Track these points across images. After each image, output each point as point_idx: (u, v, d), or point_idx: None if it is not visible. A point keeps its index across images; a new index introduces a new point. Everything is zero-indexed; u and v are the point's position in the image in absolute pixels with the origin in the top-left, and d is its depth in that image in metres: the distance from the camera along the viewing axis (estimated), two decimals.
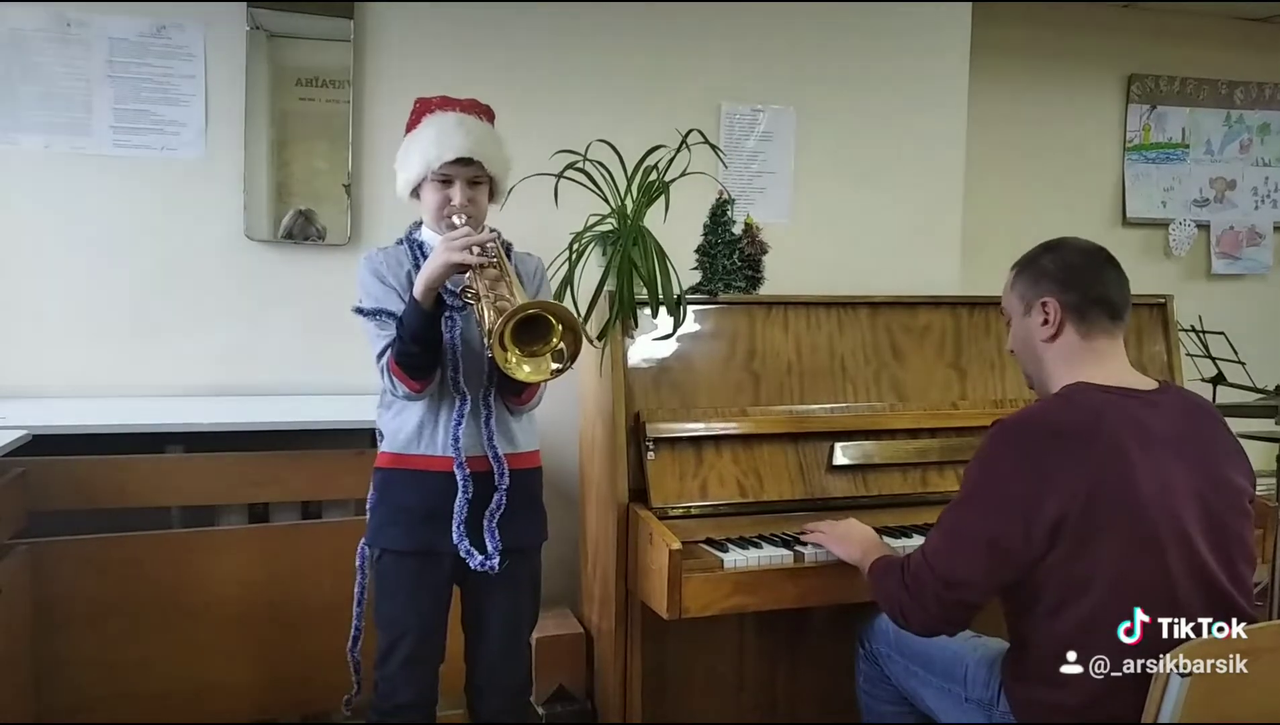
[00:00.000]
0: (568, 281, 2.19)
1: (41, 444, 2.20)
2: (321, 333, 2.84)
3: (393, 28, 2.88)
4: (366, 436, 2.53)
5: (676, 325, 2.24)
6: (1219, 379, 3.26)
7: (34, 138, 2.66)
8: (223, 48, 2.75)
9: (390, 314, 1.76)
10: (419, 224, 1.89)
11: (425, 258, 1.77)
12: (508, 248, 1.91)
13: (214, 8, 2.74)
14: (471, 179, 1.79)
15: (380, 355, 1.76)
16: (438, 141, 1.76)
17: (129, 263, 2.73)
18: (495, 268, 1.68)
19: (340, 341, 2.83)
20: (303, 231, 2.84)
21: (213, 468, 2.38)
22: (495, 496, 1.79)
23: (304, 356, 2.84)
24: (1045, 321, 1.62)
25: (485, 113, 1.87)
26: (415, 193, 1.84)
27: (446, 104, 1.83)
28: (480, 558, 1.76)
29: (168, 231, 2.75)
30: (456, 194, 1.78)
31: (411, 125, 1.85)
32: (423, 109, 1.84)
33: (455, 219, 1.76)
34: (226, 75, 2.76)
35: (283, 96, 2.81)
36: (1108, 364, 1.60)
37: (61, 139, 2.67)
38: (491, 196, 1.86)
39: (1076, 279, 1.61)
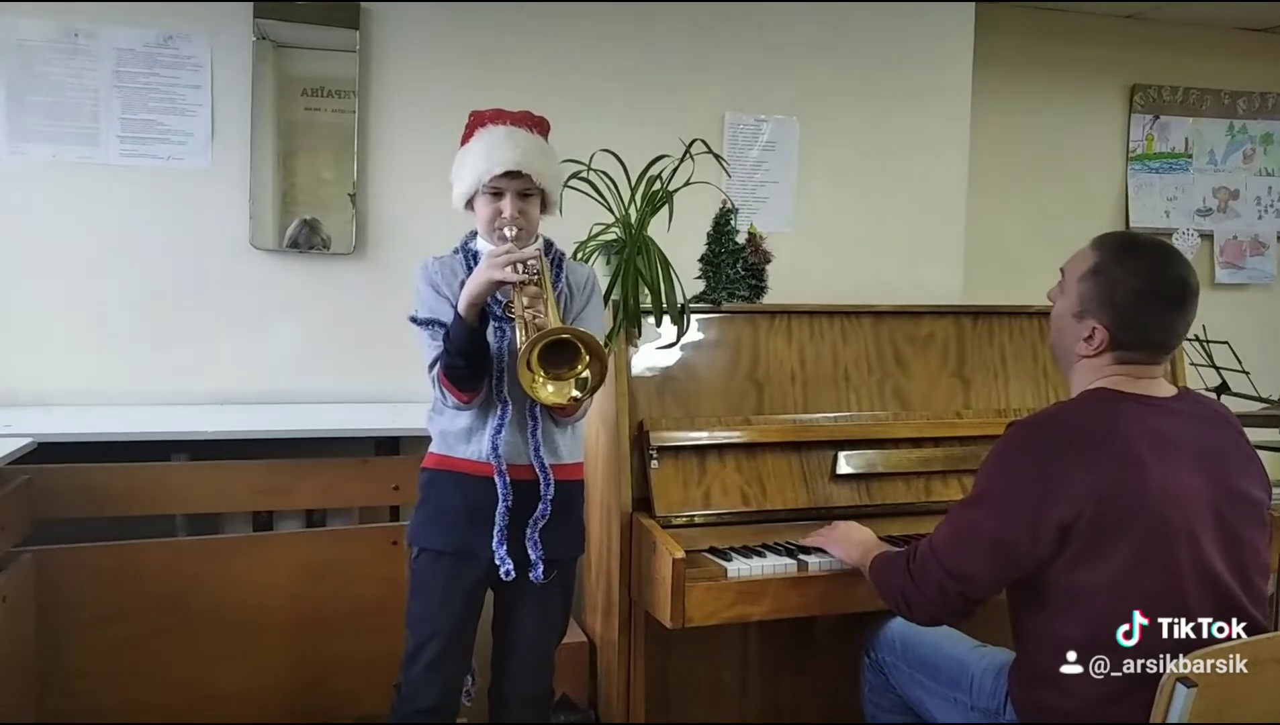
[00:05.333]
0: None
1: (47, 452, 2.21)
2: (326, 342, 2.85)
3: (398, 38, 2.90)
4: (371, 445, 2.55)
5: (680, 334, 2.25)
6: (1223, 388, 3.25)
7: (41, 147, 2.67)
8: (229, 58, 2.77)
9: (442, 325, 1.77)
10: (474, 233, 1.90)
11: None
12: (560, 258, 1.92)
13: (220, 18, 2.75)
14: (522, 191, 1.80)
15: (431, 366, 1.78)
16: (487, 155, 1.78)
17: (134, 271, 2.74)
18: (536, 285, 1.69)
19: (345, 351, 2.85)
20: (308, 241, 2.85)
21: (217, 476, 2.39)
22: (540, 506, 1.80)
23: (309, 365, 2.85)
24: (1088, 339, 1.57)
25: (538, 125, 1.87)
26: (470, 205, 1.85)
27: (498, 116, 1.83)
28: (508, 567, 1.77)
29: (173, 240, 2.76)
30: (507, 206, 1.79)
31: (465, 138, 1.86)
32: (475, 122, 1.85)
33: (506, 231, 1.77)
34: (233, 85, 2.77)
35: (288, 106, 2.83)
36: (1134, 380, 1.58)
37: (69, 149, 2.68)
38: (544, 208, 1.87)
39: (1138, 321, 1.54)
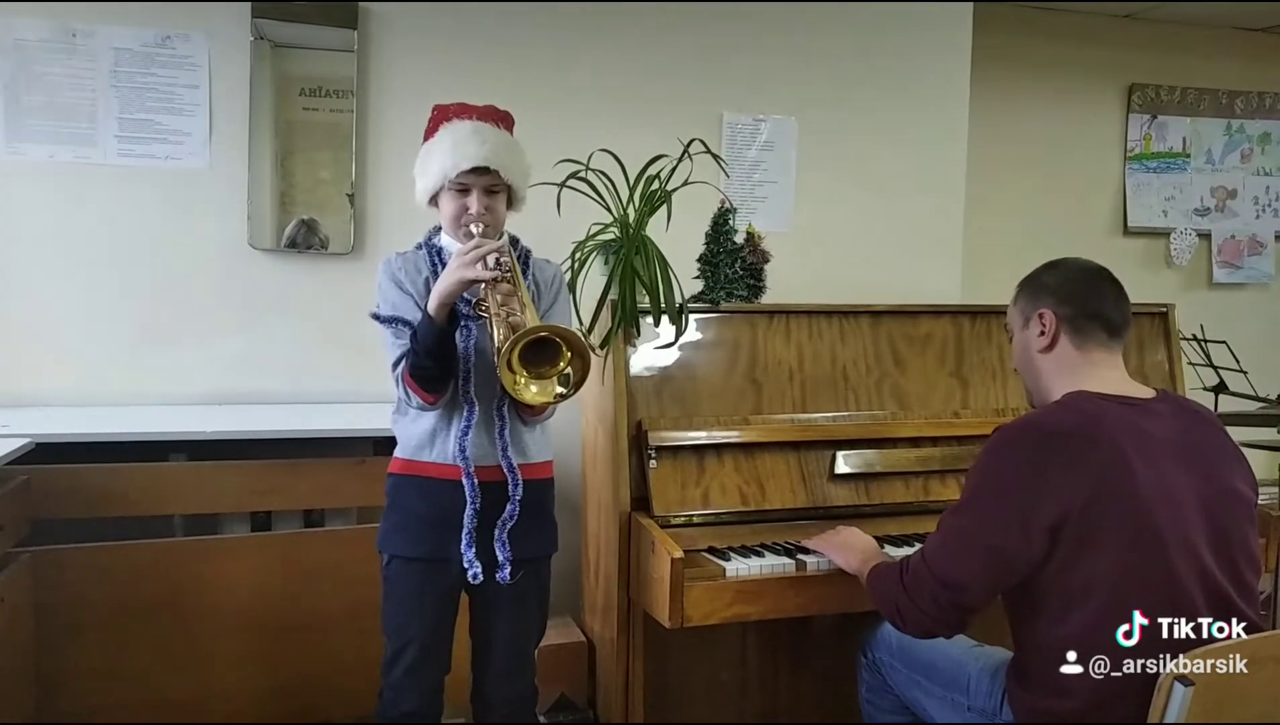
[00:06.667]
0: (570, 290, 2.19)
1: (44, 452, 2.20)
2: (324, 342, 2.85)
3: (397, 38, 2.90)
4: (368, 445, 2.54)
5: (679, 334, 2.25)
6: (1221, 388, 3.26)
7: (39, 147, 2.67)
8: (227, 58, 2.76)
9: (406, 323, 1.75)
10: (439, 228, 1.87)
11: (444, 264, 1.77)
12: (526, 255, 1.90)
13: (218, 18, 2.75)
14: (488, 187, 1.78)
15: (395, 364, 1.76)
16: (453, 151, 1.75)
17: (132, 272, 2.74)
18: (508, 282, 1.68)
19: (342, 351, 2.84)
20: (306, 241, 2.85)
21: (215, 476, 2.38)
22: (508, 507, 1.78)
23: (306, 365, 2.85)
24: (1041, 332, 1.65)
25: (504, 119, 1.85)
26: (434, 201, 1.83)
27: (463, 111, 1.81)
28: (476, 570, 1.75)
29: (171, 241, 2.76)
30: (473, 202, 1.77)
31: (429, 133, 1.83)
32: (440, 116, 1.82)
33: (472, 227, 1.75)
34: (231, 85, 2.77)
35: (286, 106, 2.83)
36: (1105, 374, 1.61)
37: (66, 149, 2.68)
38: (510, 204, 1.85)
39: (1074, 293, 1.65)
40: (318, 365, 2.85)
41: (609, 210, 2.26)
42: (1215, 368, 3.26)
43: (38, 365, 2.68)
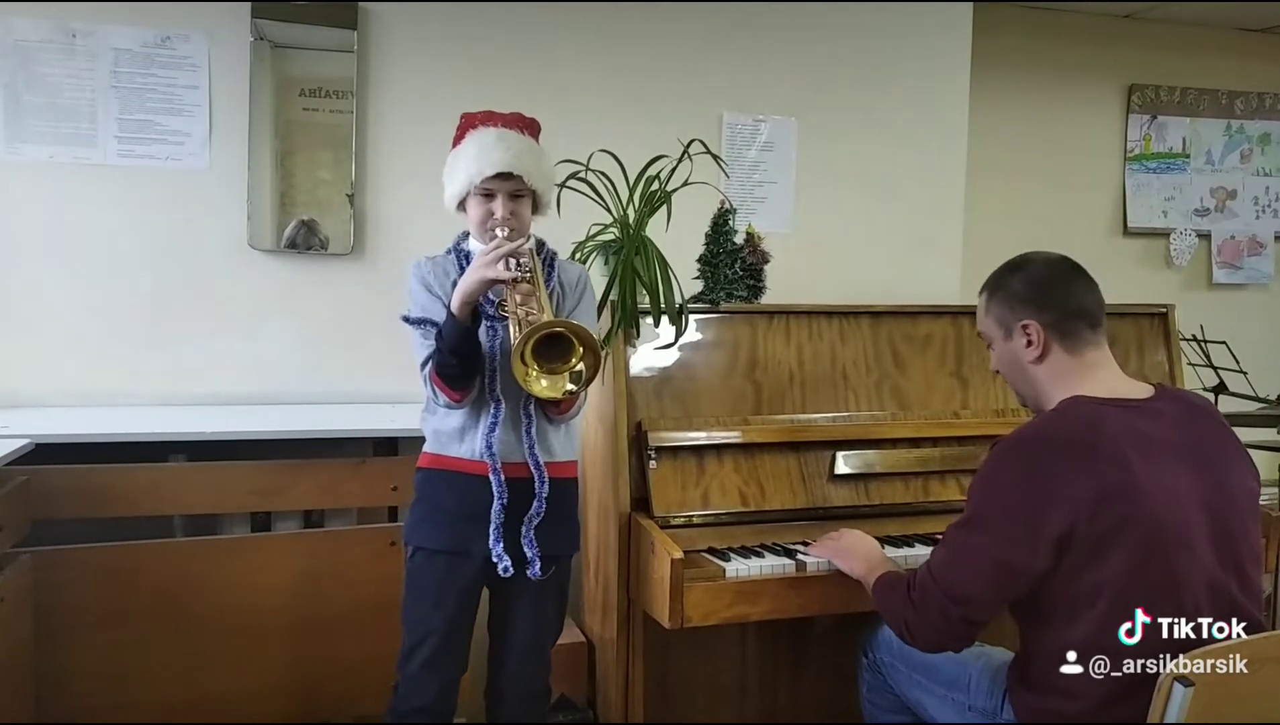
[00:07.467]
0: None
1: (44, 453, 2.20)
2: (324, 342, 2.85)
3: (396, 38, 2.90)
4: (368, 445, 2.55)
5: (678, 334, 2.25)
6: (1221, 388, 3.26)
7: (38, 148, 2.67)
8: (227, 58, 2.76)
9: (434, 324, 1.78)
10: (467, 233, 1.92)
11: None
12: (552, 257, 1.94)
13: (218, 18, 2.75)
14: (513, 192, 1.82)
15: (423, 364, 1.80)
16: (478, 157, 1.80)
17: (132, 272, 2.74)
18: (528, 283, 1.71)
19: (342, 351, 2.85)
20: (306, 241, 2.85)
21: (215, 477, 2.38)
22: (534, 504, 1.80)
23: (306, 366, 2.85)
24: (1029, 343, 1.63)
25: (529, 126, 1.89)
26: (463, 206, 1.87)
27: (489, 118, 1.85)
28: (507, 564, 1.77)
29: (171, 241, 2.76)
30: (499, 207, 1.81)
31: (456, 140, 1.88)
32: (467, 124, 1.87)
33: (497, 231, 1.79)
34: (230, 86, 2.77)
35: (286, 107, 2.83)
36: (1101, 375, 1.61)
37: (66, 149, 2.68)
38: (536, 208, 1.89)
39: (1050, 296, 1.62)
40: (317, 365, 2.85)
41: (609, 211, 2.27)
42: (1215, 368, 3.26)
43: (37, 365, 2.67)
